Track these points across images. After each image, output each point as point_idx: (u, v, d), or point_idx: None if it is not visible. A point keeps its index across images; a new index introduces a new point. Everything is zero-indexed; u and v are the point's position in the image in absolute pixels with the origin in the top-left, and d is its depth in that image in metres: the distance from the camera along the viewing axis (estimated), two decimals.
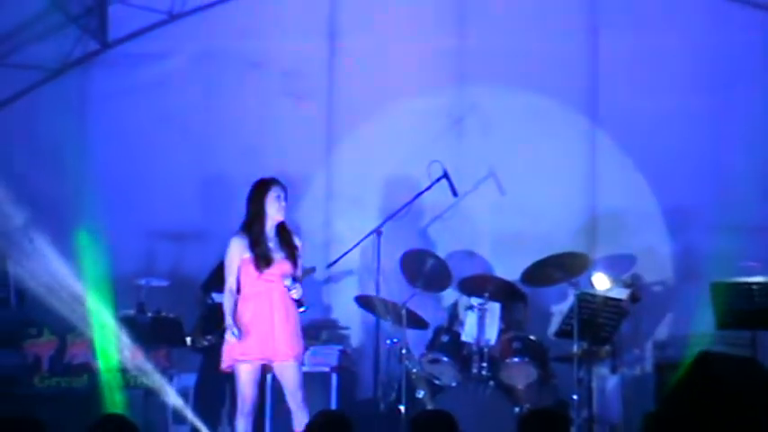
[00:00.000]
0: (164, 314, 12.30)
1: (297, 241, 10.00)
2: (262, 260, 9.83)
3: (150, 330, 12.17)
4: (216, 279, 12.22)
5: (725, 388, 3.60)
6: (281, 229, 9.96)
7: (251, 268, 9.86)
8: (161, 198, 13.91)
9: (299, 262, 9.99)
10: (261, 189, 9.97)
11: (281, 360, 9.85)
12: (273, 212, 9.92)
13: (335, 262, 12.58)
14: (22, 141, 14.25)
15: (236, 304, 9.85)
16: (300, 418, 9.76)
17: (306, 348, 10.42)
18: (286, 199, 9.98)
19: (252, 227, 9.91)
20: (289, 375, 9.90)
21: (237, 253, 9.89)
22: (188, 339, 12.11)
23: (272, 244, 9.90)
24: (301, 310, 9.87)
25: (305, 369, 12.01)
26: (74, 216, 13.97)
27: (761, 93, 13.19)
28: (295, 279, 9.82)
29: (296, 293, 9.77)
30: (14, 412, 9.29)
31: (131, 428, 7.07)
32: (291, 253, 9.91)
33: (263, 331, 9.80)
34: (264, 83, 14.13)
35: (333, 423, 8.96)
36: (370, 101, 13.92)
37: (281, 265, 9.86)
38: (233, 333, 9.75)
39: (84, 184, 14.13)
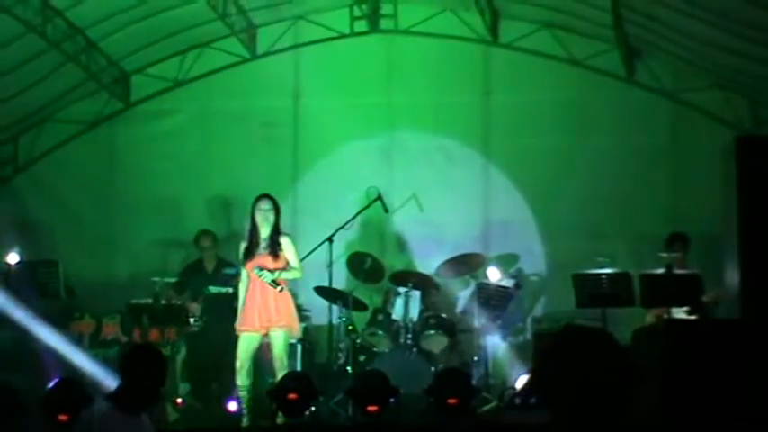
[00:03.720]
0: (173, 302, 12.17)
1: (284, 240, 9.93)
2: (246, 255, 9.82)
3: (163, 314, 12.03)
4: (183, 281, 12.20)
5: (583, 351, 3.56)
6: (274, 231, 9.90)
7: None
8: (170, 217, 13.80)
9: (281, 255, 9.88)
10: (252, 204, 9.99)
11: (272, 327, 9.78)
12: (258, 220, 9.89)
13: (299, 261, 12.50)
14: (67, 176, 14.13)
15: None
16: (278, 371, 9.75)
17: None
18: (274, 209, 9.92)
19: (249, 232, 9.93)
20: (274, 342, 9.82)
21: (242, 251, 9.93)
22: (191, 321, 12.01)
23: (265, 243, 9.86)
24: (278, 289, 9.80)
25: None
26: (106, 231, 13.90)
27: (606, 136, 13.28)
28: (262, 268, 9.75)
29: (264, 278, 9.71)
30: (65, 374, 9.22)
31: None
32: (273, 249, 9.84)
33: (253, 309, 9.74)
34: (247, 131, 14.07)
35: (298, 380, 8.91)
36: (324, 143, 13.88)
37: (262, 258, 9.79)
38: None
39: (114, 207, 14.03)
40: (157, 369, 6.07)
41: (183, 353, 12.02)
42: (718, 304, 10.72)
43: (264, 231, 9.90)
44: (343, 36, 14.14)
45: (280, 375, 9.62)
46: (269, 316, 9.79)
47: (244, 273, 10.05)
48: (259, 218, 9.92)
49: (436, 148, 13.67)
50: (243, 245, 10.02)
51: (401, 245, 13.62)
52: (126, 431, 5.98)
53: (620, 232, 12.89)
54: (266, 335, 9.95)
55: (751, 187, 8.77)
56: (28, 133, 14.39)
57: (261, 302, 9.81)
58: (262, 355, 10.51)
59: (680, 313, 10.52)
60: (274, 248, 9.89)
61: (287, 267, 9.98)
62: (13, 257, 12.11)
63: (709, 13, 10.99)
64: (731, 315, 9.32)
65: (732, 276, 9.05)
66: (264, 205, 9.96)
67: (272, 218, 9.91)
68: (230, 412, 10.33)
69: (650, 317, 10.95)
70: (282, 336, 9.85)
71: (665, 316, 10.37)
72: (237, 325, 9.94)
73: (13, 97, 13.25)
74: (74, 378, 8.83)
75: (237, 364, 9.83)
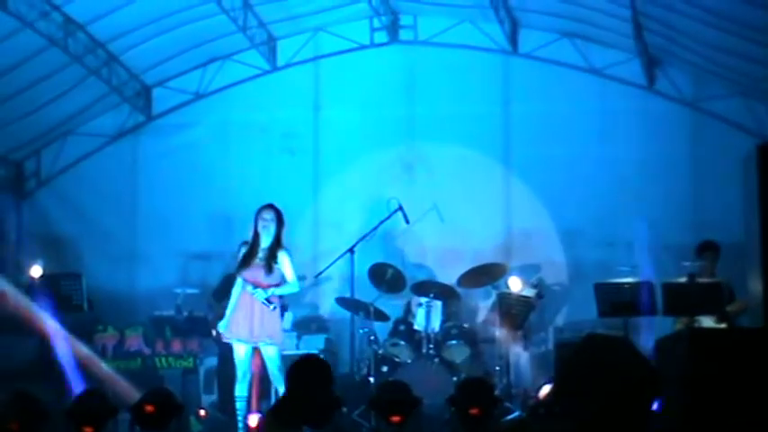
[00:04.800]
0: (195, 314, 12.21)
1: (280, 254, 9.86)
2: (243, 263, 9.78)
3: (185, 326, 12.09)
4: (224, 288, 12.18)
5: (606, 361, 3.56)
6: (274, 243, 9.84)
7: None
8: (192, 228, 13.85)
9: (275, 268, 9.81)
10: (255, 214, 9.93)
11: (259, 341, 9.78)
12: (259, 229, 9.84)
13: (321, 273, 12.52)
14: (90, 189, 14.20)
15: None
16: (277, 386, 9.76)
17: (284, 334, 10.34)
18: (276, 220, 9.84)
19: (251, 240, 9.88)
20: (267, 357, 9.82)
21: (239, 257, 9.88)
22: (213, 332, 12.03)
23: (262, 254, 9.81)
24: (270, 308, 9.76)
25: (300, 351, 12.03)
26: (128, 244, 13.94)
27: (626, 145, 13.26)
28: (257, 286, 9.71)
29: (257, 297, 9.69)
30: (88, 387, 9.24)
31: (171, 396, 6.97)
32: (268, 262, 9.79)
33: (245, 318, 9.73)
34: (267, 142, 14.11)
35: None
36: (344, 154, 13.92)
37: (255, 270, 9.76)
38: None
39: (136, 219, 14.09)
40: (323, 380, 5.91)
41: (206, 364, 12.07)
42: (743, 313, 10.68)
43: (265, 242, 9.85)
44: (362, 47, 14.18)
45: (280, 389, 9.66)
46: (254, 328, 9.76)
47: (238, 279, 9.99)
48: (260, 227, 9.87)
49: (456, 158, 13.66)
50: (242, 251, 9.96)
51: (422, 255, 13.61)
52: None
53: (642, 241, 12.85)
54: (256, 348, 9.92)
55: None
56: (51, 147, 14.48)
57: (248, 313, 9.79)
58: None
59: (708, 322, 10.48)
60: (269, 262, 9.83)
61: (281, 283, 9.92)
62: (36, 270, 12.18)
63: (729, 22, 10.98)
64: (759, 324, 9.28)
65: (755, 285, 9.01)
66: (267, 215, 9.91)
67: (273, 228, 9.85)
68: (251, 429, 10.32)
69: (680, 326, 10.88)
70: (274, 351, 9.84)
71: (696, 324, 10.32)
72: (224, 331, 9.93)
73: (35, 111, 13.34)
74: (98, 389, 8.83)
75: (238, 374, 9.86)
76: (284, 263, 9.85)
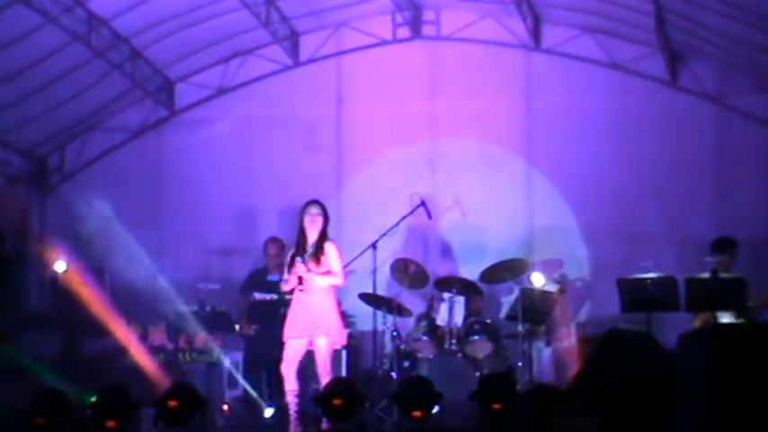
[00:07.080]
0: (218, 309, 12.24)
1: (327, 246, 9.85)
2: (293, 261, 9.77)
3: (209, 321, 12.13)
4: (249, 283, 12.19)
5: (629, 354, 3.59)
6: (320, 237, 9.84)
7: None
8: (215, 223, 13.90)
9: (323, 259, 9.78)
10: (301, 210, 9.92)
11: (314, 334, 9.75)
12: (306, 224, 9.83)
13: (344, 268, 12.53)
14: (113, 184, 14.24)
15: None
16: (321, 378, 9.72)
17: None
18: (323, 214, 9.85)
19: (297, 239, 9.87)
20: (316, 348, 9.78)
21: (289, 258, 9.88)
22: (236, 327, 12.07)
23: (312, 249, 9.80)
24: (299, 287, 9.71)
25: None
26: (152, 238, 13.97)
27: (649, 139, 13.23)
28: (310, 270, 9.70)
29: (299, 270, 9.63)
30: (112, 381, 9.29)
31: (194, 391, 7.04)
32: (317, 255, 9.77)
33: (300, 315, 9.71)
34: (290, 138, 14.14)
35: (344, 386, 8.95)
36: (367, 150, 13.94)
37: (307, 263, 9.74)
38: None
39: (159, 214, 14.15)
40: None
41: (229, 359, 12.09)
42: (765, 308, 10.65)
43: (312, 236, 9.85)
44: (385, 43, 14.20)
45: (323, 382, 9.61)
46: (310, 323, 9.75)
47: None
48: (308, 222, 9.84)
49: (479, 153, 13.68)
50: (290, 252, 9.97)
51: (445, 251, 13.63)
52: None
53: (665, 236, 12.85)
54: (311, 341, 9.91)
55: None
56: (75, 142, 14.57)
57: (303, 309, 9.78)
58: (307, 362, 10.52)
59: (726, 317, 10.47)
60: (318, 254, 9.83)
61: (327, 273, 9.89)
62: (60, 265, 12.26)
63: (753, 16, 10.96)
64: None
65: None
66: (314, 210, 9.90)
67: (320, 222, 9.87)
68: (266, 418, 10.38)
69: (698, 322, 10.87)
70: (324, 342, 9.80)
71: (713, 320, 10.30)
72: (285, 331, 9.93)
73: (59, 106, 13.43)
74: (121, 384, 8.89)
75: (284, 369, 9.82)
76: (331, 254, 9.85)
